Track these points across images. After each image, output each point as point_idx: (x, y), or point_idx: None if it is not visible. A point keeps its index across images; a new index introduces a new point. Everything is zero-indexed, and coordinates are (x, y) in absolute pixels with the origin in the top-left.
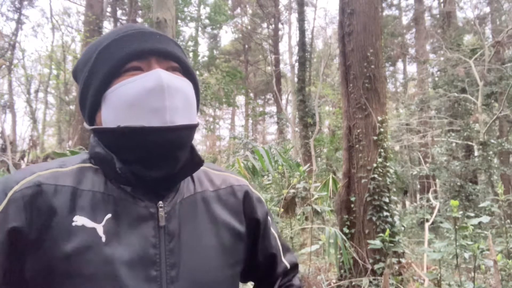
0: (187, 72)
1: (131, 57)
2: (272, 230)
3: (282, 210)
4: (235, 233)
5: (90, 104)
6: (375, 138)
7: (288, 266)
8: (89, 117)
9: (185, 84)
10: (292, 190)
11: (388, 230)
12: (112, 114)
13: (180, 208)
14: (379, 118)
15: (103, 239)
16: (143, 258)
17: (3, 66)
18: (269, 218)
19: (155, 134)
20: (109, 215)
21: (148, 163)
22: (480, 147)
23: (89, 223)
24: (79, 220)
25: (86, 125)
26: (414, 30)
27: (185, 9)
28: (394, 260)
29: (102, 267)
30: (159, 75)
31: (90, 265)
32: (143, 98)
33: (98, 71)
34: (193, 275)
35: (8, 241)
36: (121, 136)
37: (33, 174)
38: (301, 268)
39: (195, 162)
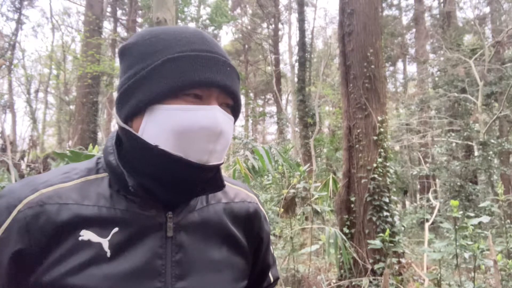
0: (236, 110)
1: (197, 86)
2: (271, 247)
3: (282, 210)
4: (242, 248)
5: (133, 106)
6: (375, 138)
7: (272, 280)
8: (125, 115)
9: (231, 126)
10: (292, 190)
11: (388, 230)
12: (154, 130)
13: (190, 219)
14: (379, 118)
15: (108, 254)
16: (148, 269)
17: (3, 66)
18: (270, 236)
19: (188, 169)
20: (115, 229)
21: (167, 184)
22: (480, 147)
23: (94, 238)
24: (86, 234)
25: (118, 120)
26: (414, 30)
27: (185, 9)
28: (394, 260)
29: (104, 282)
30: (217, 117)
31: (92, 280)
32: (193, 132)
33: (157, 80)
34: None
35: (13, 263)
36: (153, 155)
37: (36, 192)
38: (301, 268)
39: (217, 185)
